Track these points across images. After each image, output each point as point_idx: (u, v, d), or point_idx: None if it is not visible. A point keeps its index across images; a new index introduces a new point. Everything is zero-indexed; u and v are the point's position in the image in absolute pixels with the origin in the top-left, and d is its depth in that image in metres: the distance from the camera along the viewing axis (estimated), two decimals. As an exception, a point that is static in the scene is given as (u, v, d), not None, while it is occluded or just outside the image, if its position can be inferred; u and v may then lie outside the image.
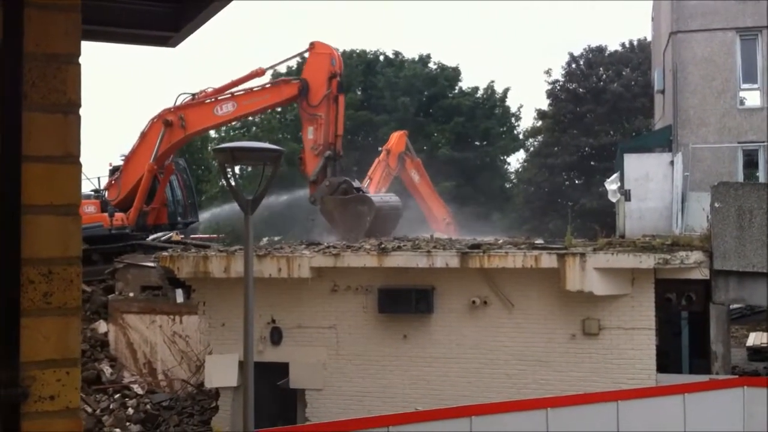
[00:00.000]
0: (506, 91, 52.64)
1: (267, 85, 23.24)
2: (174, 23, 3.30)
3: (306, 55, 22.50)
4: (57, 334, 1.91)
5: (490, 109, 51.75)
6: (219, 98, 23.09)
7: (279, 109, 51.15)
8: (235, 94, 23.08)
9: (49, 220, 1.91)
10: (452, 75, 52.38)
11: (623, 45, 50.47)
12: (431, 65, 52.36)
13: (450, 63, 52.80)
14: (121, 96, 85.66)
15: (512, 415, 12.40)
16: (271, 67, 23.15)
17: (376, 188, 26.62)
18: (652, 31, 35.71)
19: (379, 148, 28.47)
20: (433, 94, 50.32)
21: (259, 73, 23.06)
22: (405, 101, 47.99)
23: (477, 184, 47.11)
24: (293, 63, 23.20)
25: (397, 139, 28.78)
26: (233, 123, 49.91)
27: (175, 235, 25.35)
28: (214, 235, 33.70)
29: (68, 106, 1.95)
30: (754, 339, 21.54)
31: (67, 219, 1.94)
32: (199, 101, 23.33)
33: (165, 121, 23.47)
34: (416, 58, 52.52)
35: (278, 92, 22.84)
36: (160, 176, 25.02)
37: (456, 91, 52.28)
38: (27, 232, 1.88)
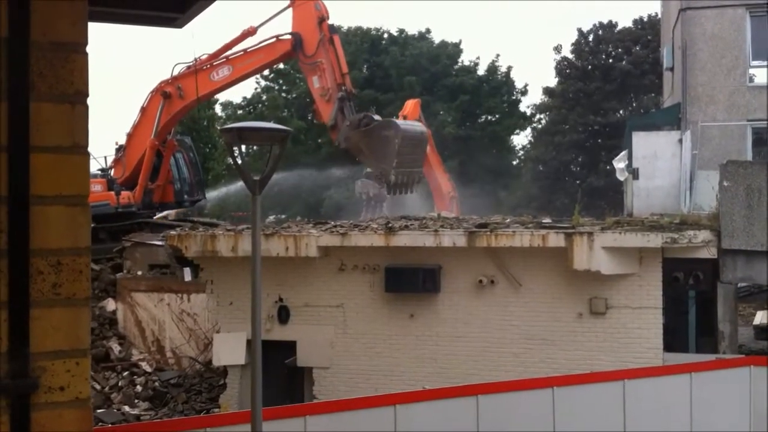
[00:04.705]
0: (510, 69, 52.31)
1: (261, 45, 22.93)
2: (180, 3, 3.26)
3: (290, 11, 22.21)
4: (66, 324, 1.91)
5: (496, 87, 51.41)
6: (214, 63, 22.92)
7: (285, 88, 51.00)
8: (230, 57, 22.89)
9: (57, 211, 1.90)
10: (453, 52, 52.02)
11: (634, 22, 50.06)
12: (430, 39, 51.97)
13: (452, 39, 52.46)
14: (131, 74, 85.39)
15: (519, 394, 12.45)
16: (261, 25, 22.86)
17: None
18: (662, 7, 35.39)
19: (396, 115, 28.34)
20: (437, 72, 49.98)
21: (250, 32, 22.70)
22: (411, 80, 47.68)
23: (483, 162, 46.94)
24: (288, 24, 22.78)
25: (412, 106, 28.74)
26: (240, 103, 49.79)
27: (173, 214, 25.32)
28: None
29: (76, 95, 1.93)
30: (762, 318, 21.48)
31: (75, 210, 1.93)
32: (194, 69, 23.20)
33: (163, 93, 23.36)
34: (416, 34, 52.16)
35: (272, 50, 22.56)
36: (163, 150, 24.91)
37: (458, 67, 51.91)
38: (36, 222, 1.87)
